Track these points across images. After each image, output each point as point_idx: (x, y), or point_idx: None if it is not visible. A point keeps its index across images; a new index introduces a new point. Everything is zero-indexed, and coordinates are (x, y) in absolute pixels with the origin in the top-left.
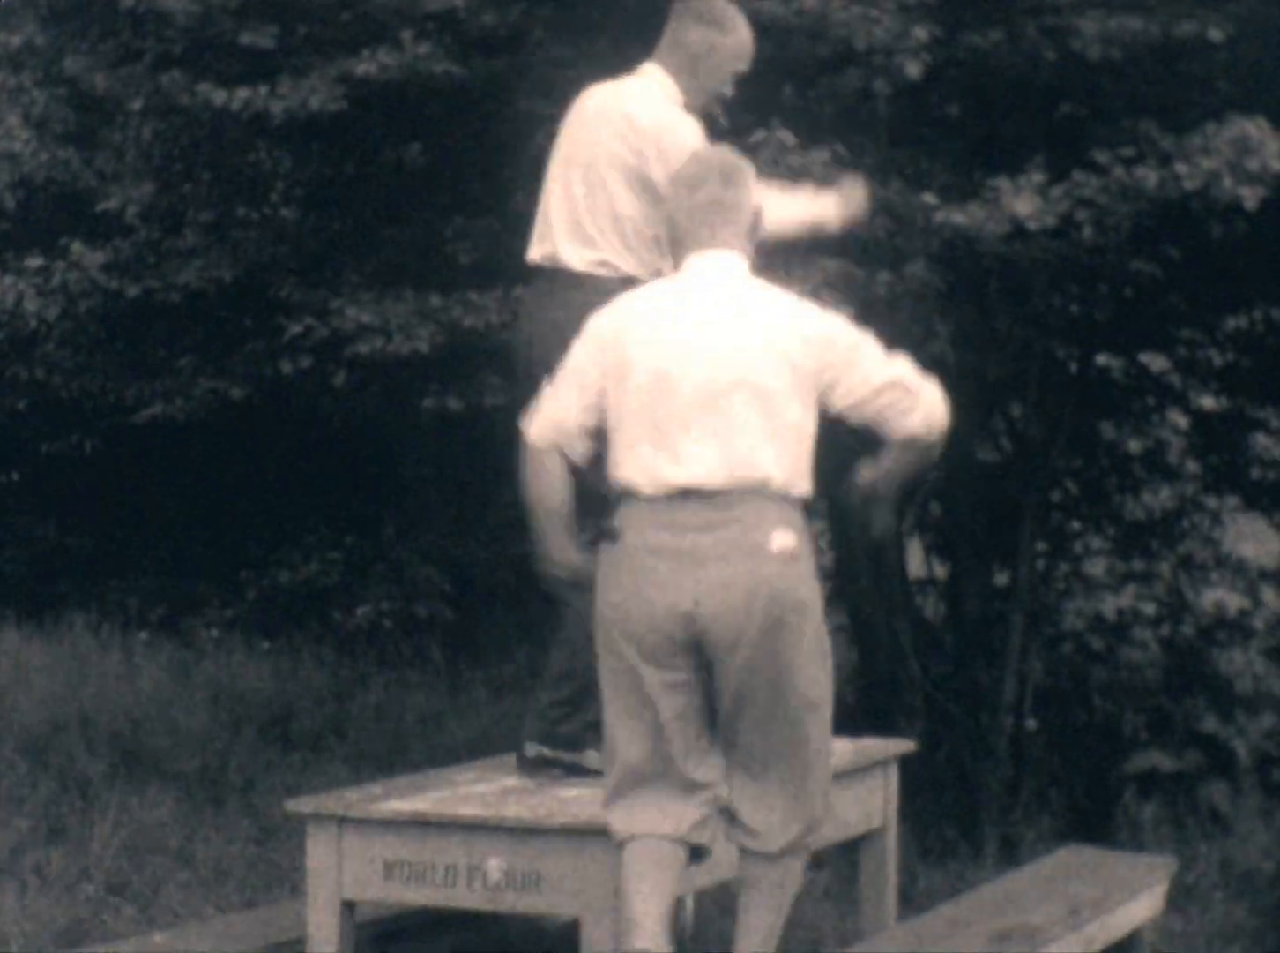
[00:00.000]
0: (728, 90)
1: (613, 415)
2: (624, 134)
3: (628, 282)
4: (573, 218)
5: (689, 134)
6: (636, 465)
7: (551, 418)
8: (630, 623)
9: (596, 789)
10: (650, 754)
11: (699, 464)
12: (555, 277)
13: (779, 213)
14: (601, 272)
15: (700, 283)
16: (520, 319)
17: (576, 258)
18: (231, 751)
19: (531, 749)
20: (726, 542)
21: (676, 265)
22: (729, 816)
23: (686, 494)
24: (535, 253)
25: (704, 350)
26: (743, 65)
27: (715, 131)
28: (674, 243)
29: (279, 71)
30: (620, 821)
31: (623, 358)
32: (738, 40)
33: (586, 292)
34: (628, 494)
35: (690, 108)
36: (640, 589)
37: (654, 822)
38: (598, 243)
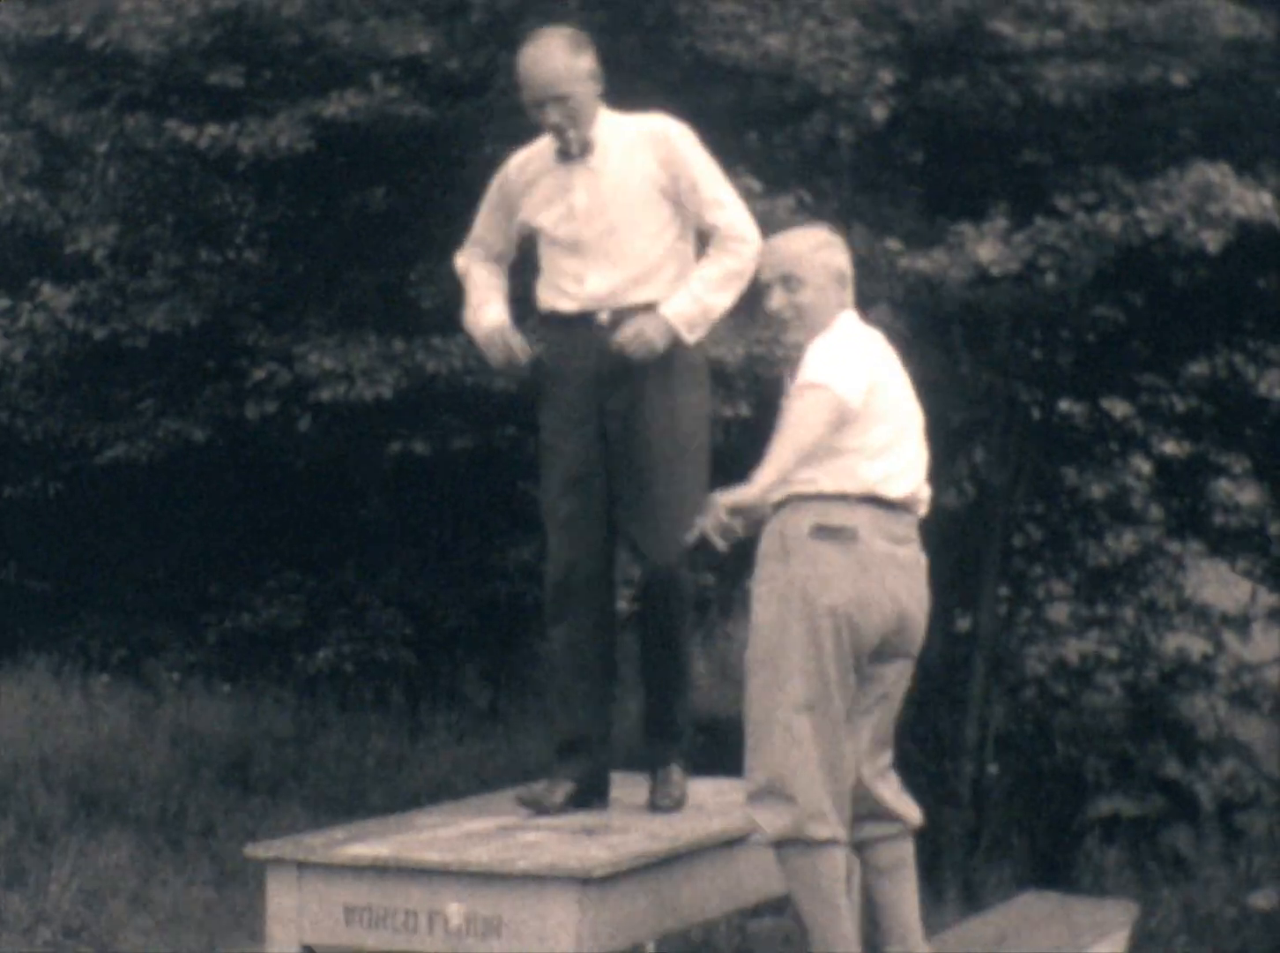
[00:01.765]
0: (544, 120)
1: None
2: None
3: None
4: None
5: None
6: (905, 480)
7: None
8: (864, 622)
9: (560, 833)
10: (834, 756)
11: (910, 481)
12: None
13: None
14: None
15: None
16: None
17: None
18: (191, 794)
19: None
20: (915, 556)
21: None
22: (868, 805)
23: (897, 506)
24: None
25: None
26: (527, 94)
27: None
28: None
29: (246, 113)
30: (818, 826)
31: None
32: (517, 70)
33: None
34: (870, 498)
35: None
36: (878, 592)
37: (839, 827)
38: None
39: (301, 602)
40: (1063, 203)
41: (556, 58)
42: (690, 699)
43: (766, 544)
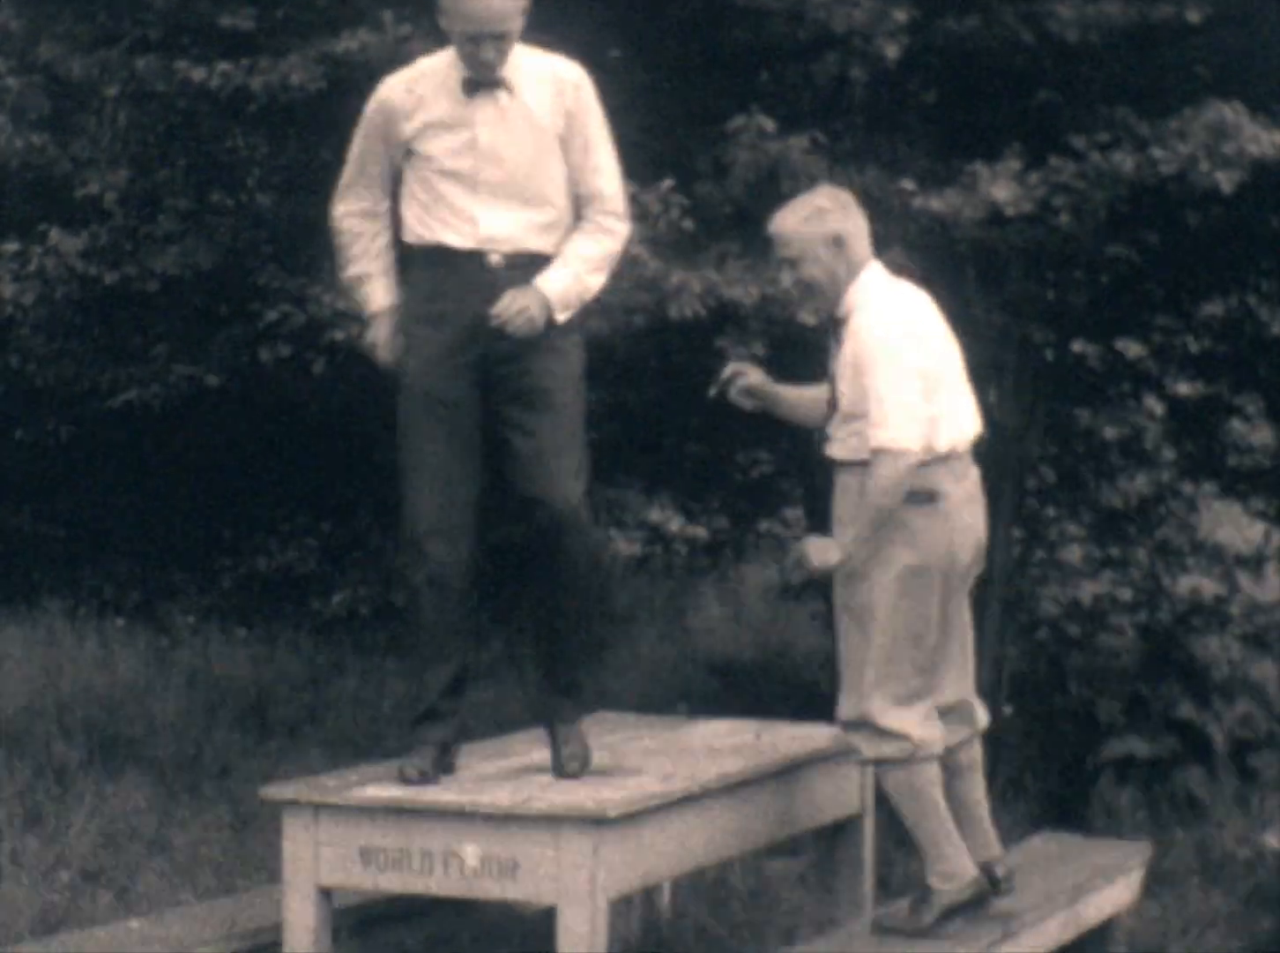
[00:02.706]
0: (477, 54)
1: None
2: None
3: None
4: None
5: None
6: (965, 423)
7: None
8: (955, 568)
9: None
10: (929, 682)
11: (972, 422)
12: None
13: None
14: None
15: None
16: None
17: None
18: (208, 738)
19: None
20: (977, 478)
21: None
22: (943, 712)
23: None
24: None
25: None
26: (465, 26)
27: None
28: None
29: (258, 53)
30: (924, 728)
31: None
32: None
33: None
34: (946, 456)
35: (475, 75)
36: (963, 536)
37: (935, 739)
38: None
39: (317, 545)
40: (1077, 142)
41: None
42: (595, 652)
43: (852, 506)
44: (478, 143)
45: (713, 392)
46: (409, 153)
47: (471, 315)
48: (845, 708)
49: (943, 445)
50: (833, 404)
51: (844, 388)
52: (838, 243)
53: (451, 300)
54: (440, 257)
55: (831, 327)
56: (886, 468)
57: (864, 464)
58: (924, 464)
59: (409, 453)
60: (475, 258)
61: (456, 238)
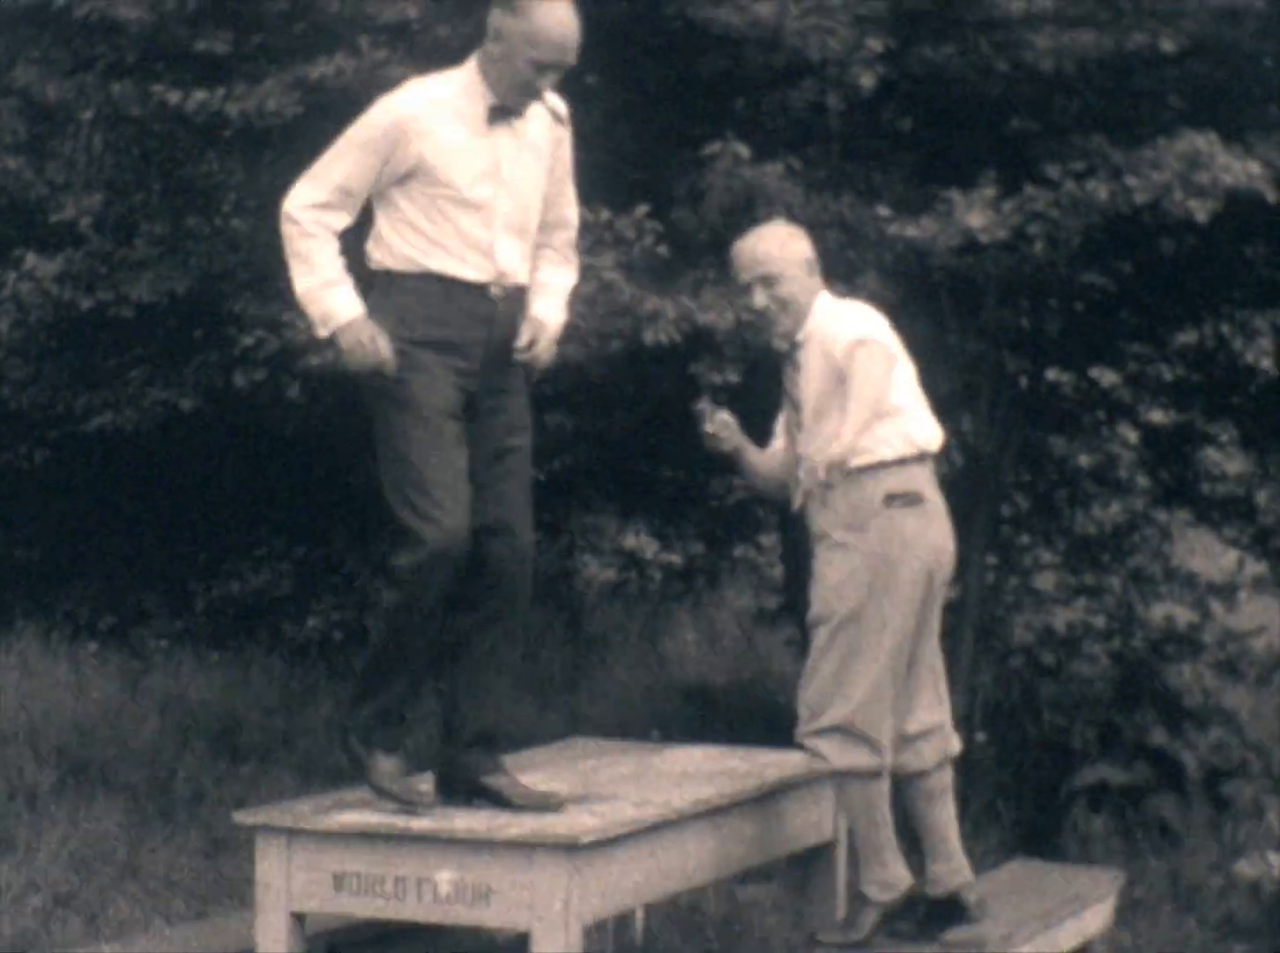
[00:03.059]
0: (537, 83)
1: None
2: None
3: None
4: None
5: None
6: (932, 429)
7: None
8: (939, 573)
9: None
10: (900, 697)
11: (937, 428)
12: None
13: None
14: None
15: None
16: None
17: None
18: (180, 762)
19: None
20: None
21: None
22: (916, 736)
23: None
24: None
25: None
26: (540, 54)
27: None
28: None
29: (233, 78)
30: (868, 755)
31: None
32: (530, 25)
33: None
34: (921, 456)
35: (507, 103)
36: (944, 540)
37: (889, 756)
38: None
39: (290, 570)
40: (1051, 171)
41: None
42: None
43: (832, 515)
44: (500, 172)
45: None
46: (410, 176)
47: (480, 347)
48: (819, 716)
49: (919, 441)
50: (798, 425)
51: (811, 394)
52: (811, 267)
53: (456, 328)
54: (441, 285)
55: (790, 350)
56: (860, 356)
57: (848, 474)
58: (903, 462)
59: (425, 465)
60: (480, 289)
61: (467, 269)
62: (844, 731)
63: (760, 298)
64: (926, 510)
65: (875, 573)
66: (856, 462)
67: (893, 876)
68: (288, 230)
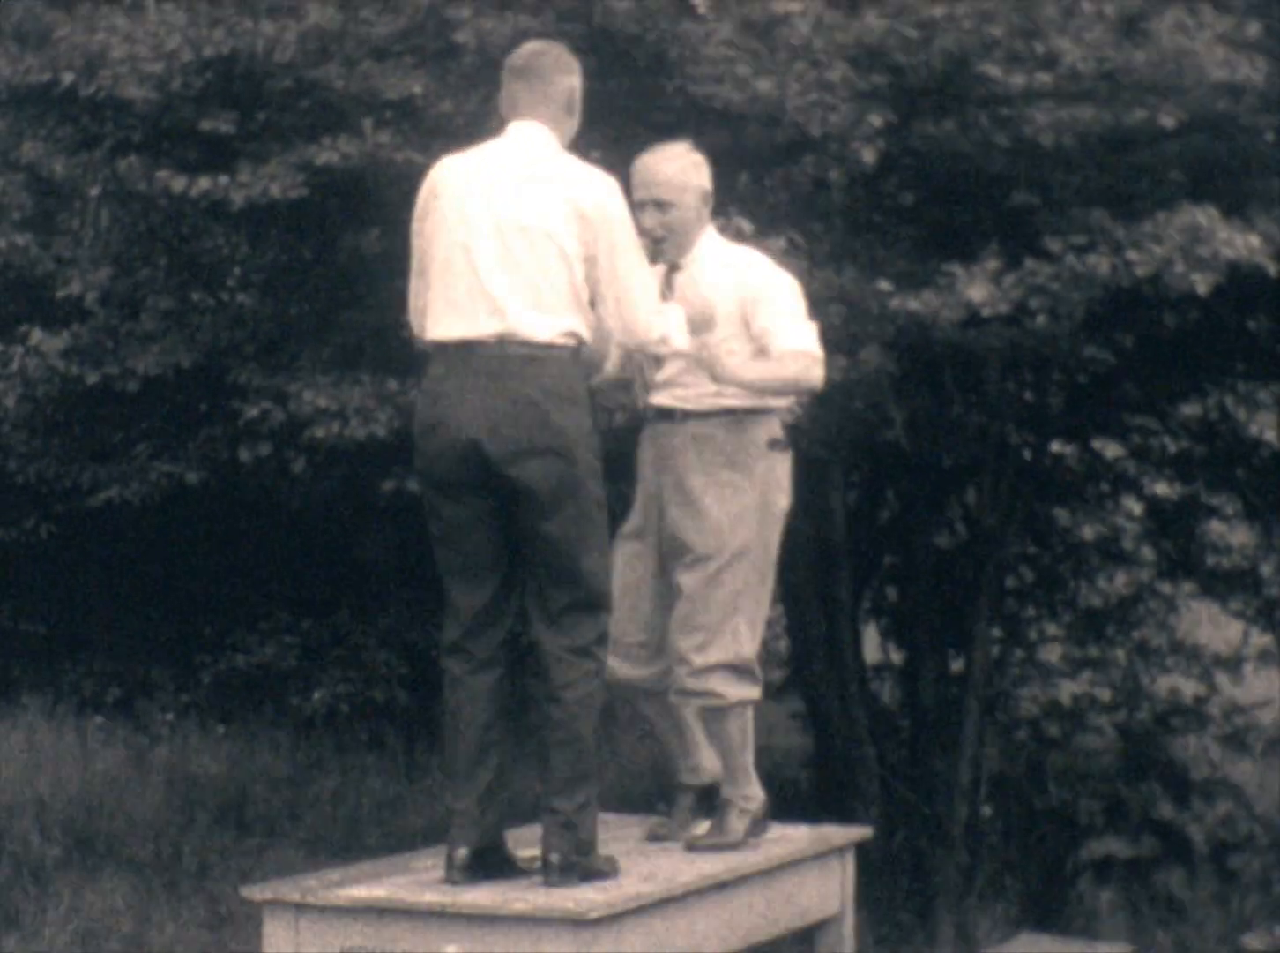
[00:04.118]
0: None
1: None
2: (568, 208)
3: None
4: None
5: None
6: None
7: None
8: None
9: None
10: None
11: None
12: (505, 351)
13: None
14: (566, 341)
15: None
16: (452, 405)
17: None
18: (186, 836)
19: (556, 857)
20: None
21: None
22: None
23: None
24: (474, 329)
25: None
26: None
27: None
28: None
29: (238, 158)
30: (751, 685)
31: None
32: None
33: (549, 364)
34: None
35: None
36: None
37: None
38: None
39: (296, 643)
40: (1053, 245)
41: None
42: None
43: (716, 455)
44: None
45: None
46: None
47: None
48: (710, 652)
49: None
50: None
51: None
52: (706, 199)
53: None
54: None
55: (669, 274)
56: (802, 364)
57: (727, 413)
58: (778, 412)
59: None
60: None
61: None
62: (734, 667)
63: (649, 219)
64: (789, 458)
65: (760, 512)
66: (744, 404)
67: (755, 789)
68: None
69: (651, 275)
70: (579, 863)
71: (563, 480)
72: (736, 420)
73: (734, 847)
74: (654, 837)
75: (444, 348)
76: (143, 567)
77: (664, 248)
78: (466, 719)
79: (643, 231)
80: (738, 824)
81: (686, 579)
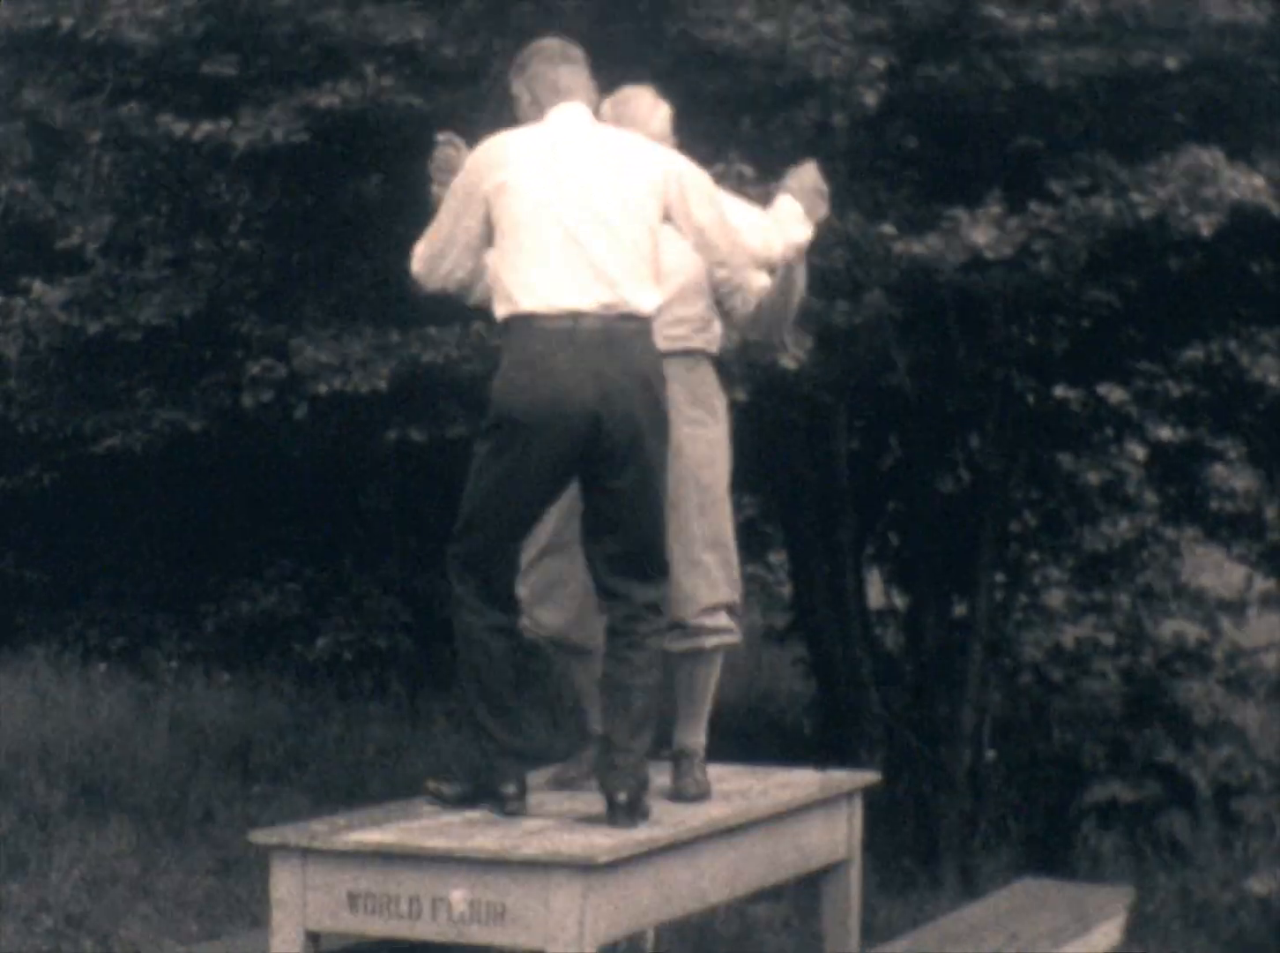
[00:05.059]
0: None
1: None
2: (646, 180)
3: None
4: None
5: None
6: None
7: None
8: None
9: (563, 821)
10: None
11: None
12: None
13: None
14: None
15: None
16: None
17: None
18: (191, 782)
19: (624, 796)
20: None
21: None
22: None
23: None
24: (582, 300)
25: None
26: None
27: None
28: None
29: (239, 103)
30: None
31: None
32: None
33: (650, 338)
34: None
35: None
36: None
37: None
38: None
39: (300, 590)
40: (1057, 187)
41: None
42: None
43: (681, 390)
44: None
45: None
46: None
47: None
48: (721, 591)
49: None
50: None
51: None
52: (668, 140)
53: None
54: None
55: None
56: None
57: (686, 354)
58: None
59: None
60: None
61: None
62: (729, 607)
63: None
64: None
65: (727, 453)
66: (708, 348)
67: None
68: None
69: (741, 204)
70: (641, 803)
71: (660, 456)
72: (697, 359)
73: (707, 796)
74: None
75: (536, 318)
76: (146, 515)
77: None
78: (504, 662)
79: None
80: (704, 775)
81: (674, 518)
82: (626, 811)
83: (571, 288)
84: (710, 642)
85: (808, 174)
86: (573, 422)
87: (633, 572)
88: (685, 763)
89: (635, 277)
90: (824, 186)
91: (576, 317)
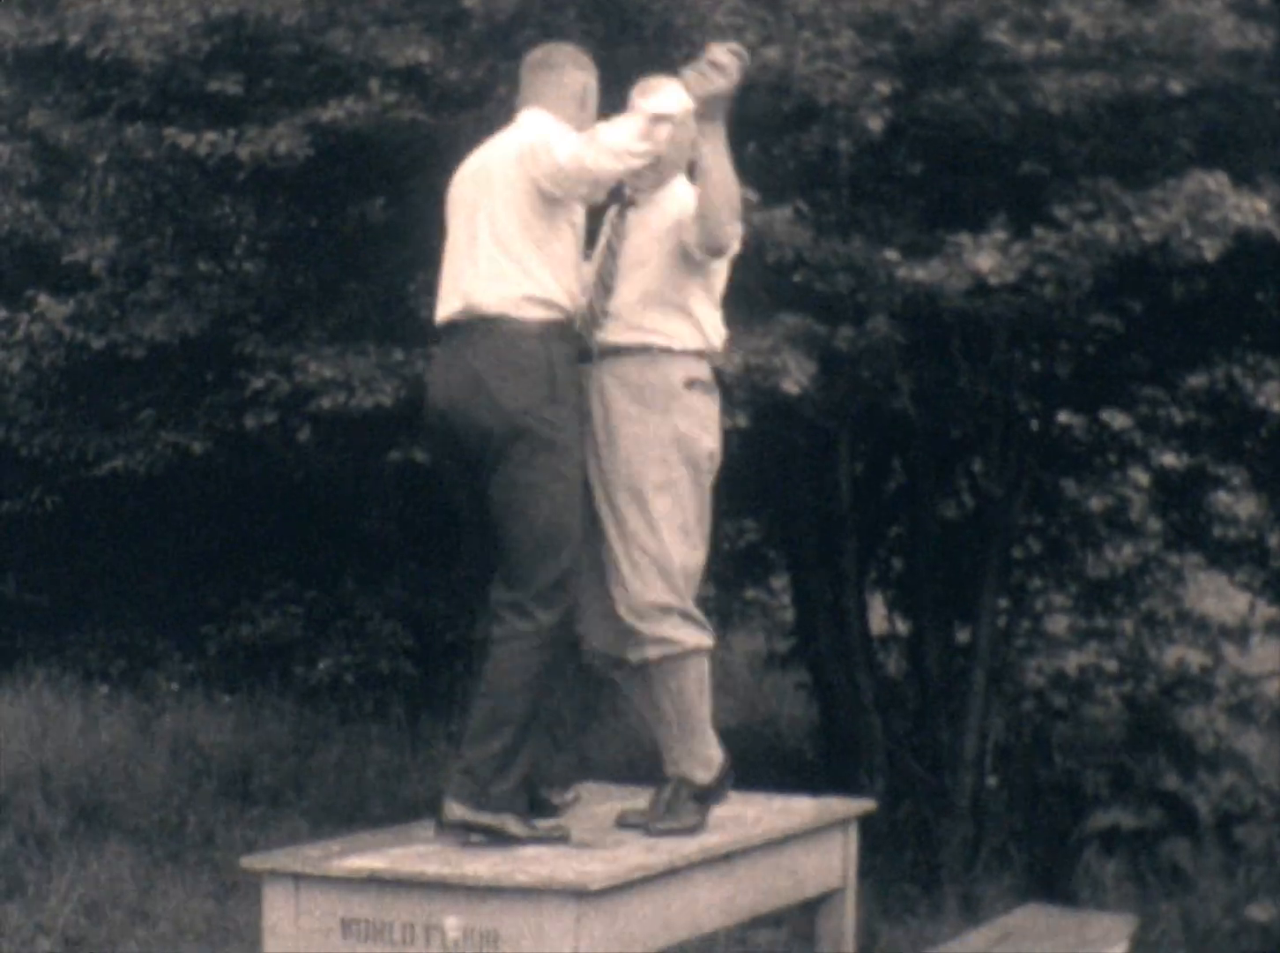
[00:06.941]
0: None
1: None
2: (520, 161)
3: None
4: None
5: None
6: (721, 328)
7: None
8: (717, 457)
9: (555, 847)
10: None
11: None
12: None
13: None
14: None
15: None
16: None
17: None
18: (191, 805)
19: (455, 811)
20: None
21: None
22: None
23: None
24: (445, 308)
25: None
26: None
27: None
28: None
29: (245, 121)
30: (699, 631)
31: None
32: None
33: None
34: (714, 352)
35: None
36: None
37: None
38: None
39: (301, 613)
40: (1060, 213)
41: None
42: None
43: (629, 389)
44: None
45: None
46: None
47: None
48: (652, 592)
49: (715, 340)
50: (608, 288)
51: (643, 261)
52: (694, 146)
53: None
54: None
55: (623, 210)
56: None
57: (642, 351)
58: (700, 354)
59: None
60: None
61: None
62: (678, 611)
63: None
64: (716, 398)
65: (680, 454)
66: (655, 342)
67: (713, 753)
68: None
69: (614, 126)
70: (476, 818)
71: (540, 461)
72: (650, 357)
73: (692, 831)
74: (623, 823)
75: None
76: (148, 537)
77: (649, 171)
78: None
79: (656, 156)
80: (689, 806)
81: (610, 518)
82: (448, 824)
83: (444, 296)
84: (653, 653)
85: (710, 51)
86: (429, 420)
87: (501, 573)
88: (659, 791)
89: (491, 275)
90: (724, 57)
91: (443, 325)
